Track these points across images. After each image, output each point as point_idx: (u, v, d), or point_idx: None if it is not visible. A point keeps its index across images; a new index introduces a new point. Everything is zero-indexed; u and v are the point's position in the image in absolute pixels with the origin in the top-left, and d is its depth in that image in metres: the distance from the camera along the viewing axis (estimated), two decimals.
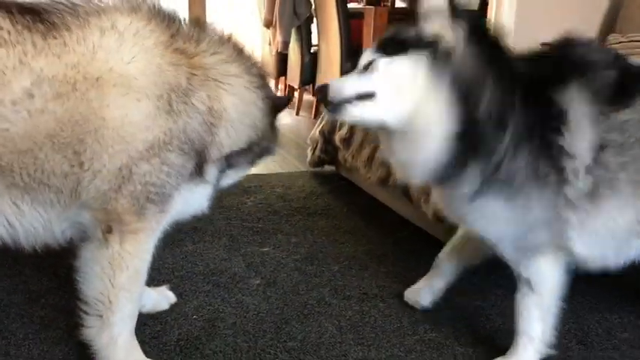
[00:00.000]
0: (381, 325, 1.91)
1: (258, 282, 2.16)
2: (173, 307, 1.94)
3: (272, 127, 1.75)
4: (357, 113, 1.50)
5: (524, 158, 1.46)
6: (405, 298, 2.02)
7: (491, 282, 2.13)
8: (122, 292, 1.51)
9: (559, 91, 1.47)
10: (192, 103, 1.48)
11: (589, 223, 1.52)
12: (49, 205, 1.46)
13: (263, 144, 1.72)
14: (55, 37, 1.36)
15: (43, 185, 1.42)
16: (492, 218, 1.55)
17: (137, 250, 1.51)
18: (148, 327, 1.82)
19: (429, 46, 1.42)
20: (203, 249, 2.41)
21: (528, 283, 1.62)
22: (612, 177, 1.48)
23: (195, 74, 1.49)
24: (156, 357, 1.67)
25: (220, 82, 1.53)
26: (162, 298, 1.94)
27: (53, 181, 1.41)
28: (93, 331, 1.55)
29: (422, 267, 2.30)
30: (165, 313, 1.90)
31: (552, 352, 1.68)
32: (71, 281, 2.02)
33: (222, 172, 1.68)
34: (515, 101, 1.45)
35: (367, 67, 1.49)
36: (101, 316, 1.53)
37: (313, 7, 5.38)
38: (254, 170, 3.58)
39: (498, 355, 1.72)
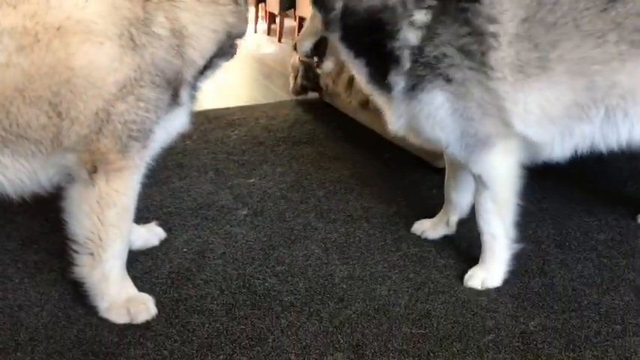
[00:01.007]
0: (365, 245, 1.97)
1: (245, 212, 2.20)
2: (163, 242, 1.99)
3: (235, 13, 1.63)
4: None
5: (446, 34, 1.52)
6: (413, 230, 2.02)
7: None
8: (111, 229, 1.56)
9: None
10: (154, 32, 1.46)
11: (522, 101, 1.54)
12: (31, 156, 1.47)
13: (233, 35, 1.66)
14: None
15: (21, 138, 1.43)
16: (437, 116, 1.59)
17: (123, 187, 1.54)
18: (139, 263, 1.87)
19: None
20: (190, 184, 2.45)
21: (481, 179, 1.65)
22: (542, 55, 1.51)
23: (148, 0, 1.46)
24: (149, 291, 1.73)
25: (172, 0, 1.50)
26: (151, 235, 1.99)
27: (31, 134, 1.43)
28: (85, 270, 1.61)
29: (407, 188, 2.36)
30: (155, 249, 1.95)
31: (520, 245, 1.75)
32: (61, 225, 2.07)
33: (198, 85, 1.68)
34: None
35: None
36: (92, 254, 1.58)
37: None
38: (238, 102, 3.60)
39: (467, 267, 1.79)
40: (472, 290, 1.73)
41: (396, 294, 1.72)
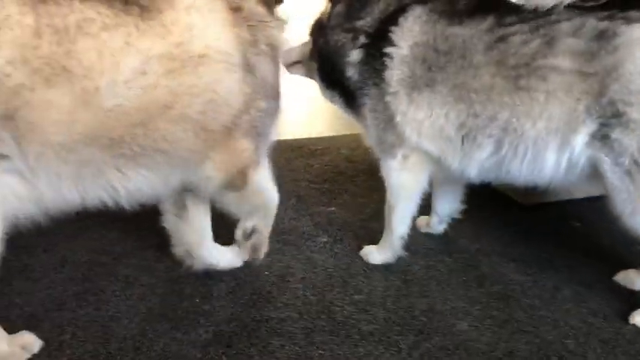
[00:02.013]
0: (446, 279, 1.94)
1: (325, 240, 2.23)
2: (246, 264, 2.04)
3: None
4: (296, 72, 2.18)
5: (363, 55, 1.86)
6: (418, 226, 2.24)
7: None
8: (260, 208, 1.96)
9: (408, 9, 1.80)
10: (261, 50, 1.63)
11: (412, 114, 1.78)
12: (158, 168, 1.58)
13: None
14: (152, 19, 1.44)
15: (156, 152, 1.54)
16: (366, 126, 1.93)
17: (265, 178, 1.91)
18: (224, 283, 1.93)
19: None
20: None
21: (385, 183, 1.96)
22: (431, 76, 1.73)
23: (251, 24, 1.63)
24: (232, 310, 1.77)
25: (264, 21, 1.68)
26: (235, 256, 2.05)
27: (167, 147, 1.54)
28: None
29: (491, 224, 2.32)
30: (239, 270, 2.00)
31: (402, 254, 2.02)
32: (151, 244, 2.18)
33: None
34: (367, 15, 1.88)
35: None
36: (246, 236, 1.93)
37: None
38: (320, 133, 3.66)
39: (554, 310, 1.75)
40: (559, 332, 1.66)
41: (478, 330, 1.68)
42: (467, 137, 1.73)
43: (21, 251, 2.17)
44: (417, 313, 1.76)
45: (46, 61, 1.32)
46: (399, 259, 2.06)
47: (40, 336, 1.65)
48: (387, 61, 1.79)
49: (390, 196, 1.96)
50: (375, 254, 2.05)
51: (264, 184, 1.89)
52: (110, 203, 1.64)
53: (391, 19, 1.82)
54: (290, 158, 3.16)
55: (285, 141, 3.46)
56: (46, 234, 2.31)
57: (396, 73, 1.79)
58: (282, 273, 1.99)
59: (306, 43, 2.14)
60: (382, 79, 1.81)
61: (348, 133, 3.69)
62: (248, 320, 1.73)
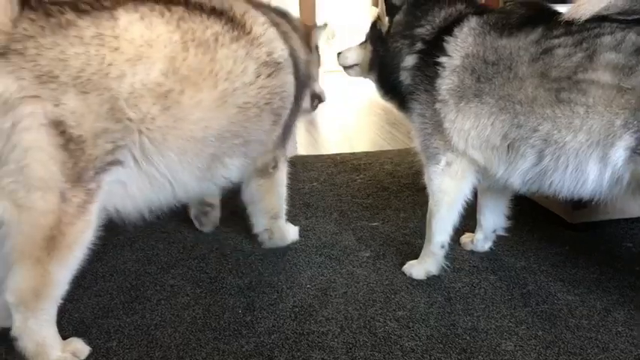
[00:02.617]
0: (491, 297, 1.90)
1: (368, 255, 2.22)
2: (288, 276, 2.06)
3: None
4: (354, 74, 2.27)
5: (417, 61, 1.91)
6: (462, 244, 2.25)
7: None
8: (283, 200, 2.25)
9: (464, 20, 1.84)
10: (297, 57, 2.03)
11: (460, 123, 1.80)
12: (243, 157, 1.90)
13: None
14: (249, 33, 1.77)
15: (247, 142, 1.85)
16: (414, 130, 1.97)
17: (284, 172, 2.20)
18: (265, 295, 1.94)
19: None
20: (315, 224, 2.52)
21: (427, 189, 1.98)
22: (479, 87, 1.74)
23: (287, 37, 1.99)
24: (273, 322, 1.78)
25: (286, 31, 2.00)
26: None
27: (256, 137, 1.88)
28: (267, 231, 2.24)
29: (537, 242, 2.27)
30: (280, 282, 2.02)
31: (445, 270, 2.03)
32: (195, 255, 2.22)
33: None
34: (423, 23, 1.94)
35: (364, 41, 2.20)
36: (274, 217, 2.21)
37: None
38: (363, 148, 3.68)
39: (604, 332, 1.69)
40: (608, 356, 1.61)
41: (523, 350, 1.64)
42: (511, 147, 1.74)
43: None
44: (460, 331, 1.73)
45: (195, 68, 1.60)
46: (443, 276, 2.03)
47: (89, 342, 1.69)
48: (439, 69, 1.82)
49: (432, 203, 1.96)
50: (417, 267, 2.04)
51: (284, 177, 2.21)
52: (207, 192, 2.03)
53: (448, 29, 1.85)
54: (333, 173, 3.17)
55: (328, 156, 3.49)
56: (96, 244, 2.39)
57: (446, 82, 1.81)
58: (323, 287, 1.99)
59: (361, 45, 2.21)
60: (433, 87, 1.84)
61: (391, 148, 3.69)
62: (289, 333, 1.74)
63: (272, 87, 1.84)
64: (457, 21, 1.86)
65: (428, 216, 2.00)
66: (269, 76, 1.82)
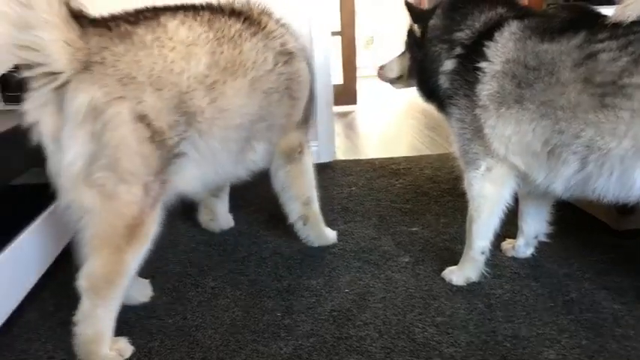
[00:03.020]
0: (532, 305, 1.87)
1: (407, 260, 2.21)
2: (326, 280, 2.07)
3: None
4: (400, 86, 2.26)
5: (457, 66, 1.89)
6: (503, 250, 2.23)
7: None
8: (312, 184, 2.31)
9: (505, 24, 1.81)
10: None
11: (500, 129, 1.78)
12: (268, 141, 2.04)
13: None
14: (264, 28, 1.94)
15: (271, 126, 2.02)
16: (453, 135, 1.95)
17: (310, 157, 2.29)
18: (304, 298, 1.96)
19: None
20: (354, 228, 2.52)
21: (467, 193, 1.94)
22: (520, 92, 1.72)
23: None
24: (312, 326, 1.80)
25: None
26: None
27: (278, 122, 2.05)
28: (302, 219, 2.31)
29: (581, 249, 2.22)
30: (319, 286, 2.03)
31: (486, 276, 2.01)
32: (235, 258, 2.25)
33: None
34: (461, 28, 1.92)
35: (403, 51, 2.18)
36: (306, 203, 2.27)
37: None
38: (402, 153, 3.66)
39: None
40: None
41: (566, 359, 1.61)
42: (552, 153, 1.70)
43: None
44: (500, 339, 1.70)
45: (229, 60, 1.78)
46: (483, 282, 2.01)
47: (132, 342, 1.74)
48: (480, 75, 1.80)
49: (472, 208, 1.94)
50: (457, 273, 2.02)
51: (310, 162, 2.29)
52: (239, 176, 2.07)
53: (488, 33, 1.83)
54: (372, 178, 3.17)
55: (366, 160, 3.49)
56: None
57: (487, 87, 1.78)
58: (362, 291, 1.99)
59: (400, 56, 2.20)
60: (473, 92, 1.82)
61: (431, 153, 3.66)
62: (327, 336, 1.74)
63: (288, 73, 2.00)
64: (497, 25, 1.82)
65: (468, 222, 1.98)
66: (285, 63, 1.98)
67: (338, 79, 5.00)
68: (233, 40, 1.81)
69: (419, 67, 2.06)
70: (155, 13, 1.71)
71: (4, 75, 2.44)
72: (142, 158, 1.58)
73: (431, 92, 2.03)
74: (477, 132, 1.83)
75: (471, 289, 1.98)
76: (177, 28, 1.69)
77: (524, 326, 1.76)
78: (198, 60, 1.69)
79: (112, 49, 1.56)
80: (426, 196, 2.85)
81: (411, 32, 2.10)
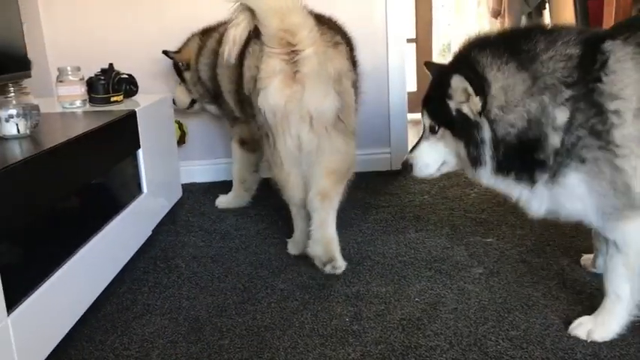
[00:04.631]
0: None
1: (480, 271, 2.15)
2: (396, 288, 2.04)
3: None
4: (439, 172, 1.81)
5: (579, 119, 1.51)
6: (583, 266, 2.10)
7: None
8: None
9: (604, 50, 1.50)
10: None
11: None
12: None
13: None
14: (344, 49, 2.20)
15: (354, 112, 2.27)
16: (575, 195, 1.58)
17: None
18: (373, 305, 1.93)
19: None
20: (425, 237, 2.47)
21: (615, 244, 1.63)
22: None
23: None
24: (380, 333, 1.77)
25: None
26: None
27: (354, 109, 2.26)
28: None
29: None
30: (388, 294, 2.00)
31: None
32: (305, 261, 2.25)
33: None
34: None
35: (433, 129, 1.72)
36: None
37: None
38: None
39: None
40: None
41: None
42: None
43: (192, 260, 2.37)
44: (578, 357, 1.62)
45: (336, 72, 2.08)
46: (562, 297, 1.92)
47: (202, 339, 1.77)
48: (614, 118, 1.48)
49: (629, 257, 1.62)
50: (600, 329, 1.70)
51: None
52: None
53: (592, 65, 1.50)
54: (445, 187, 3.11)
55: None
56: (213, 246, 2.51)
57: (629, 131, 1.47)
58: (433, 301, 1.95)
59: (433, 145, 1.74)
60: (608, 140, 1.50)
61: None
62: (396, 345, 1.71)
63: (351, 86, 2.21)
64: (593, 52, 1.51)
65: (616, 278, 1.67)
66: (349, 79, 2.18)
67: (412, 86, 4.95)
68: (329, 55, 2.12)
69: (503, 145, 1.59)
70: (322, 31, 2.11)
71: (90, 78, 2.57)
72: None
73: (524, 168, 1.62)
74: (620, 184, 1.52)
75: (547, 303, 1.90)
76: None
77: (604, 345, 1.66)
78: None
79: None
80: (502, 207, 2.77)
81: (460, 112, 1.62)
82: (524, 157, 1.59)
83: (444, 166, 1.76)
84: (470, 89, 1.56)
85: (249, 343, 1.76)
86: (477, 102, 1.57)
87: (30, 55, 2.43)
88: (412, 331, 1.79)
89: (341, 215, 2.42)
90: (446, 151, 1.71)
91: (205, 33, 2.94)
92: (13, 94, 1.92)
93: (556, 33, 1.58)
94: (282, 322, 1.87)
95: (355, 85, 2.27)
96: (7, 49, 2.32)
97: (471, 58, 1.60)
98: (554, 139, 1.54)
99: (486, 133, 1.59)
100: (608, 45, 1.51)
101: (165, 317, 1.94)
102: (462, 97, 1.59)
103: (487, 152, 1.61)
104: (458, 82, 1.58)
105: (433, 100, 1.70)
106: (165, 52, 3.03)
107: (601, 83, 1.49)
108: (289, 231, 2.47)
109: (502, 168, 1.63)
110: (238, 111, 2.71)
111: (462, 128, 1.63)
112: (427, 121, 1.72)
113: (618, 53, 1.50)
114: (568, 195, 1.59)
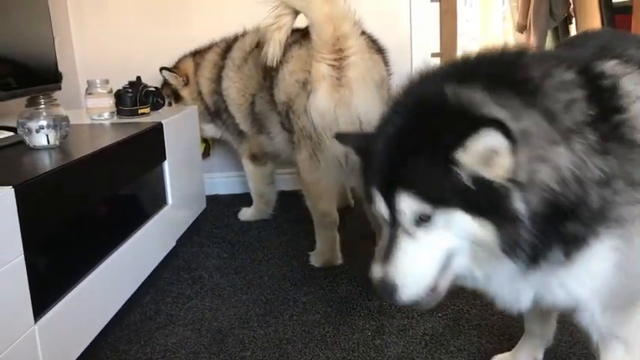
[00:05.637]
0: None
1: None
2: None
3: None
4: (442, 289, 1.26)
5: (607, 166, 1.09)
6: None
7: None
8: None
9: (616, 74, 1.17)
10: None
11: None
12: None
13: None
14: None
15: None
16: (589, 276, 1.16)
17: None
18: (395, 320, 1.92)
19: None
20: None
21: (626, 342, 1.25)
22: None
23: None
24: (402, 348, 1.76)
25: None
26: None
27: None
28: None
29: None
30: (411, 309, 1.98)
31: None
32: (327, 274, 2.25)
33: None
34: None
35: (423, 218, 1.07)
36: None
37: (572, 5, 5.05)
38: None
39: None
40: None
41: None
42: None
43: (215, 271, 2.39)
44: None
45: (380, 78, 2.21)
46: None
47: (225, 350, 1.78)
48: None
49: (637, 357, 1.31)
50: None
51: None
52: None
53: (602, 93, 1.15)
54: None
55: None
56: (236, 257, 2.52)
57: None
58: (456, 317, 1.93)
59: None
60: None
61: None
62: None
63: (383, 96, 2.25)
64: (591, 77, 1.16)
65: None
66: (380, 88, 2.22)
67: None
68: (368, 66, 2.22)
69: (540, 218, 1.03)
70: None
71: (118, 91, 2.61)
72: None
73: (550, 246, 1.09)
74: None
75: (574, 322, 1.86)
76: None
77: None
78: None
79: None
80: None
81: (478, 180, 1.02)
82: (556, 231, 1.09)
83: (448, 272, 1.19)
84: (506, 147, 1.00)
85: (270, 356, 1.76)
86: (509, 162, 1.01)
87: (60, 68, 2.49)
88: (435, 346, 1.77)
89: (361, 231, 2.42)
90: (452, 247, 1.11)
91: (197, 53, 2.97)
92: (43, 105, 1.96)
93: (531, 54, 1.21)
94: (303, 334, 1.87)
95: (390, 94, 2.32)
96: (39, 62, 2.38)
97: (462, 100, 1.06)
98: (594, 199, 1.09)
99: (519, 204, 1.03)
100: (609, 67, 1.19)
101: (188, 328, 1.95)
102: (482, 159, 1.01)
103: (525, 231, 1.05)
104: (490, 141, 1.00)
105: (418, 172, 1.06)
106: (163, 69, 3.00)
107: (625, 114, 1.14)
108: (311, 243, 2.47)
109: (539, 252, 1.08)
110: (247, 125, 2.71)
111: (485, 202, 1.03)
112: (409, 208, 1.07)
113: (634, 78, 1.19)
114: (574, 277, 1.17)
